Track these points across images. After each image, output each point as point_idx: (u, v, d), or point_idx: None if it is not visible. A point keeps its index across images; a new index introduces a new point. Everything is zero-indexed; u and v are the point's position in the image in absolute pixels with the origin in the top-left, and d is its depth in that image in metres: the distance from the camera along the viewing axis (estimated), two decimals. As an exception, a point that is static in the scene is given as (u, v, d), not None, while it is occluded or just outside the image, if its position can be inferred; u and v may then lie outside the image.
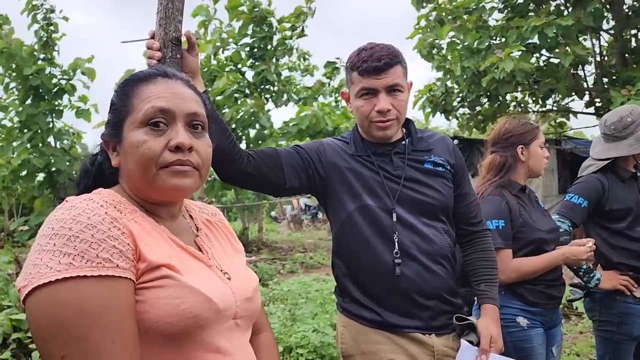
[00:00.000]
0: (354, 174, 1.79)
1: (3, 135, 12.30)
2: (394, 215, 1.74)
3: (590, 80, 10.56)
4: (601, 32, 10.15)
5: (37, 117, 11.50)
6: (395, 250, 1.72)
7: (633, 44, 9.78)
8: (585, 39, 10.01)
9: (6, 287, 5.91)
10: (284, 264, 10.66)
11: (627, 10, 9.57)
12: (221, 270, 1.10)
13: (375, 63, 1.70)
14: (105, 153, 1.11)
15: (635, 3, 9.48)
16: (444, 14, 10.43)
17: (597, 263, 2.61)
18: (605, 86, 9.80)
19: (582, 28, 9.25)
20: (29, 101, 11.60)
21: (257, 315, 1.21)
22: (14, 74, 11.33)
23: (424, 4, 10.89)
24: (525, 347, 2.17)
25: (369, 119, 1.76)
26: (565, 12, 9.51)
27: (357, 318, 1.79)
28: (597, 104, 10.14)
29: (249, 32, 11.65)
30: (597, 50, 10.41)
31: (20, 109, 11.55)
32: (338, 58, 13.28)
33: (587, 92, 10.49)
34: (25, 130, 11.58)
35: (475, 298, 1.97)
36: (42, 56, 11.58)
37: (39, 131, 11.67)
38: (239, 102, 11.15)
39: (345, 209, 1.78)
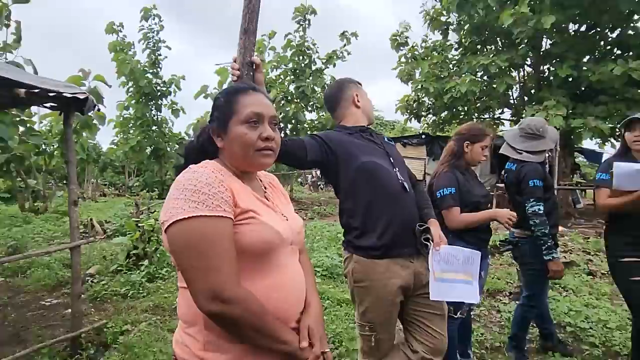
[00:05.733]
0: (353, 143, 1.69)
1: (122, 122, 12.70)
2: (392, 165, 1.69)
3: (516, 98, 10.49)
4: (525, 66, 10.01)
5: (147, 112, 11.90)
6: (400, 179, 1.66)
7: (546, 74, 9.65)
8: (514, 71, 9.93)
9: (128, 220, 6.03)
10: (307, 213, 10.68)
11: (542, 52, 9.45)
12: (282, 214, 1.09)
13: None
14: (207, 135, 1.07)
15: (548, 47, 9.37)
16: (416, 52, 10.63)
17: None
18: (526, 102, 9.72)
19: (512, 63, 9.18)
20: (140, 100, 12.00)
21: (302, 243, 1.20)
22: (131, 82, 11.53)
23: (401, 48, 11.08)
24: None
25: (372, 108, 1.87)
26: (502, 51, 9.45)
27: (365, 252, 1.63)
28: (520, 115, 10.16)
29: (295, 59, 11.92)
30: (522, 78, 10.34)
31: (135, 109, 12.02)
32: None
33: (513, 107, 10.41)
34: (139, 123, 11.92)
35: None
36: (150, 71, 11.75)
37: (147, 121, 12.05)
38: (284, 105, 11.32)
39: (357, 161, 1.63)
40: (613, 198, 2.13)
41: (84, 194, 15.93)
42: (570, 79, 8.67)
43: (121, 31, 11.27)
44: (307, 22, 11.69)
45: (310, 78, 11.79)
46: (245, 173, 1.06)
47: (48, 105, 2.81)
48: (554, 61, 9.02)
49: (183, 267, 0.87)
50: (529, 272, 2.51)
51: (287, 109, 11.08)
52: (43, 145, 8.75)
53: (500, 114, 11.20)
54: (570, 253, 5.61)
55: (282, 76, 12.02)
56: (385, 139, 1.86)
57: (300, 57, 11.81)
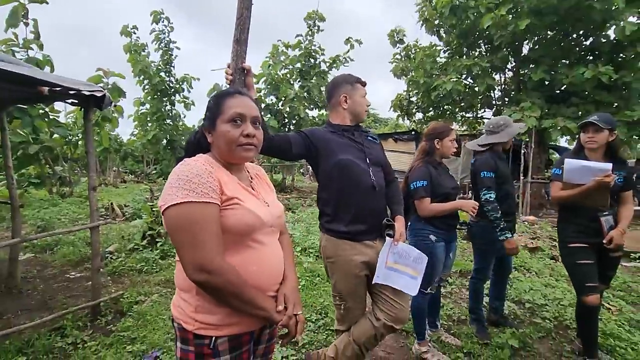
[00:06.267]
0: (335, 141, 1.72)
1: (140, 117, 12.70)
2: (367, 163, 1.72)
3: (498, 99, 10.51)
4: (506, 70, 9.97)
5: (161, 107, 11.87)
6: (372, 179, 1.69)
7: (524, 77, 9.67)
8: (495, 74, 9.90)
9: (144, 204, 6.12)
10: (306, 200, 10.72)
11: (522, 57, 9.42)
12: (264, 201, 1.13)
13: (364, 81, 1.82)
14: (202, 133, 1.13)
15: (527, 54, 9.34)
16: (410, 51, 10.55)
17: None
18: (506, 104, 9.73)
19: (494, 66, 9.16)
20: (155, 96, 11.92)
21: (283, 226, 1.25)
22: (146, 80, 11.45)
23: (397, 45, 10.99)
24: (433, 252, 2.20)
25: (365, 109, 1.80)
26: (485, 55, 9.44)
27: (334, 233, 1.71)
28: (501, 115, 10.18)
29: (302, 60, 11.87)
30: (503, 80, 10.33)
31: (150, 105, 11.96)
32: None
33: (495, 107, 10.42)
34: (155, 117, 11.91)
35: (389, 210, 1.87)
36: (163, 70, 11.72)
37: (162, 116, 12.05)
38: (292, 101, 11.32)
39: (334, 158, 1.68)
40: (564, 190, 2.21)
41: (106, 180, 16.04)
42: (547, 83, 8.66)
43: (135, 33, 11.18)
44: (316, 27, 11.70)
45: (314, 79, 11.82)
46: (232, 165, 1.11)
47: (69, 101, 2.87)
48: (532, 65, 9.00)
49: (176, 243, 0.94)
50: (476, 249, 2.64)
51: (293, 106, 11.13)
52: (69, 136, 8.86)
53: (482, 113, 11.24)
54: (538, 240, 5.71)
55: (288, 75, 12.02)
56: (369, 137, 1.86)
57: (308, 59, 11.84)
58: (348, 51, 11.75)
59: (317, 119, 12.46)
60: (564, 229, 2.29)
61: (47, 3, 3.93)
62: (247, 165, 1.25)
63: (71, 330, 2.58)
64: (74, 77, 2.75)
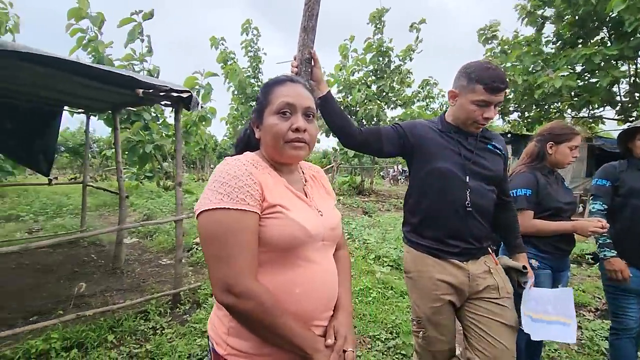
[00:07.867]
0: (437, 143, 1.46)
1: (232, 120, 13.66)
2: (467, 177, 1.42)
3: (625, 95, 8.59)
4: (638, 58, 8.11)
5: (249, 111, 12.72)
6: (467, 201, 1.40)
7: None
8: (622, 64, 8.12)
9: None
10: (383, 205, 10.37)
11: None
12: (317, 209, 0.98)
13: (499, 85, 1.34)
14: (252, 128, 1.03)
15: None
16: (506, 46, 9.23)
17: None
18: (637, 100, 7.91)
19: (622, 56, 7.50)
20: (244, 100, 12.66)
21: (339, 239, 1.06)
22: (239, 89, 12.27)
23: (489, 42, 9.77)
24: (534, 282, 1.84)
25: (474, 119, 1.40)
26: (609, 44, 7.79)
27: (417, 245, 1.50)
28: (628, 113, 8.25)
29: (376, 60, 11.62)
30: (632, 72, 8.41)
31: (242, 110, 12.71)
32: (430, 76, 12.58)
33: (619, 104, 8.56)
34: (244, 120, 12.83)
35: (505, 245, 1.66)
36: (252, 78, 12.48)
37: (249, 119, 12.88)
38: (366, 104, 11.09)
39: (431, 164, 1.43)
40: None
41: (204, 176, 17.87)
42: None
43: (223, 44, 11.90)
44: (382, 23, 11.37)
45: (390, 76, 11.43)
46: (283, 165, 0.98)
47: (163, 103, 3.11)
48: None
49: (205, 255, 0.83)
50: (604, 289, 2.05)
51: (370, 108, 10.89)
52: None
53: (601, 112, 9.33)
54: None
55: (364, 78, 11.86)
56: (490, 146, 1.51)
57: (380, 58, 11.57)
58: (417, 37, 11.14)
59: (396, 119, 12.02)
60: None
61: (153, 16, 4.40)
62: (303, 165, 1.09)
63: (154, 315, 2.77)
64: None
